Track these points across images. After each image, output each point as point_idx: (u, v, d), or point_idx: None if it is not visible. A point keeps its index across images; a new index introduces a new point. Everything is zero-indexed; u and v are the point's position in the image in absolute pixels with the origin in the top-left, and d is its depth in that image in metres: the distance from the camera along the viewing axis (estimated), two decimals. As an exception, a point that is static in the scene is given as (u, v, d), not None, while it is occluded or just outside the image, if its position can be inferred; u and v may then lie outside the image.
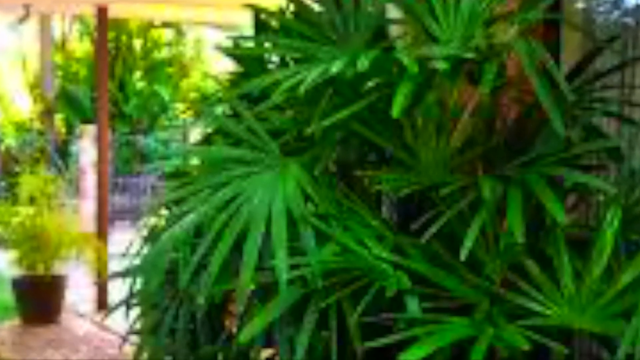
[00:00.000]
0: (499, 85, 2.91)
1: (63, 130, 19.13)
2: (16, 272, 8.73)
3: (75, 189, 14.06)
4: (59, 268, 8.75)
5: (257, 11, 3.60)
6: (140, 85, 20.05)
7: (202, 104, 3.93)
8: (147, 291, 3.41)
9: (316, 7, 3.44)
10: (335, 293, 2.85)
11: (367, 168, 3.36)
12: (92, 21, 15.67)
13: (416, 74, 2.71)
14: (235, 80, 3.74)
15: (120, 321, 4.07)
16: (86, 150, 13.76)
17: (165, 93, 19.86)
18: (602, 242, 2.73)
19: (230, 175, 3.12)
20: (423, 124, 3.06)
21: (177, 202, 3.30)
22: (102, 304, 9.06)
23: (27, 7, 10.12)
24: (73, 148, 17.24)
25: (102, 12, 9.48)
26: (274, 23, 3.61)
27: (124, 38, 19.96)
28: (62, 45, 20.30)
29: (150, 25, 20.14)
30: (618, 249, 2.76)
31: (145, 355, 3.59)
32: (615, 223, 2.75)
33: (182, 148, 9.62)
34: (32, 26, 18.51)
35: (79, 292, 9.52)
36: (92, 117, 15.07)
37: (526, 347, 2.51)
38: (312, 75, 2.84)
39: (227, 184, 3.08)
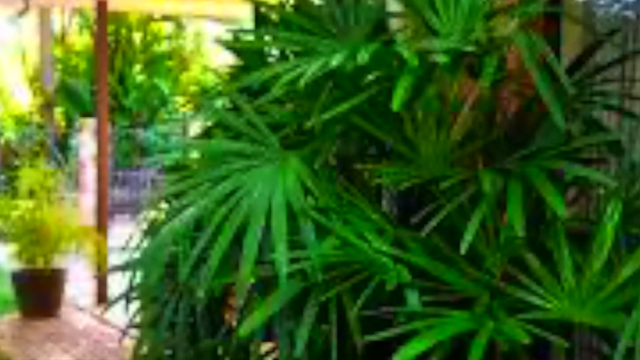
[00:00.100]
0: (499, 78, 2.91)
1: (63, 123, 19.11)
2: (16, 265, 8.72)
3: (75, 182, 14.05)
4: (58, 261, 8.74)
5: (257, 4, 3.60)
6: (140, 78, 20.03)
7: (202, 98, 3.94)
8: (147, 285, 3.41)
9: (316, 1, 3.44)
10: (335, 287, 2.84)
11: (367, 161, 3.35)
12: (92, 14, 15.67)
13: (416, 67, 2.71)
14: (235, 73, 3.74)
15: (120, 315, 4.08)
16: (86, 143, 13.75)
17: (165, 86, 19.84)
18: (603, 235, 2.73)
19: (230, 168, 3.12)
20: (423, 117, 3.06)
21: (177, 195, 3.30)
22: (102, 298, 9.05)
23: (26, 0, 10.11)
24: (73, 141, 17.22)
25: (101, 5, 9.45)
26: (274, 16, 3.60)
27: (123, 31, 19.93)
28: (62, 39, 20.27)
29: (150, 18, 20.11)
30: (618, 243, 2.76)
31: (145, 348, 3.59)
32: (616, 216, 2.75)
33: (182, 141, 9.62)
34: (31, 19, 18.49)
35: (78, 285, 9.52)
36: (92, 111, 15.06)
37: (526, 340, 2.51)
38: (312, 68, 2.83)
39: (227, 177, 3.08)
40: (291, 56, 3.44)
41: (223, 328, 3.45)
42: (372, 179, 3.23)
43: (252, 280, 3.09)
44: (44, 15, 18.54)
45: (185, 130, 17.28)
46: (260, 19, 3.63)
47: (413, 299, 2.77)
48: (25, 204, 8.93)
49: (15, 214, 8.84)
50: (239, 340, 3.07)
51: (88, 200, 12.03)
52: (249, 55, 3.66)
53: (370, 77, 2.98)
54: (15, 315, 8.62)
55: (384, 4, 3.45)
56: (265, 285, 3.00)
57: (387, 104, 2.70)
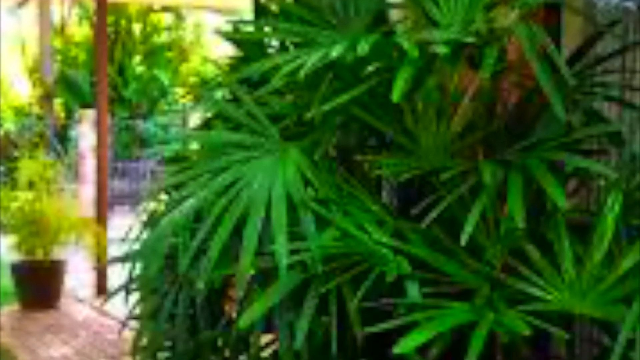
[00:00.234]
0: (499, 69, 2.90)
1: (62, 114, 19.11)
2: (15, 257, 8.72)
3: (75, 173, 14.07)
4: (58, 253, 8.74)
5: (256, -5, 3.59)
6: (139, 69, 20.04)
7: (202, 89, 3.92)
8: (147, 276, 3.40)
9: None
10: (335, 278, 2.84)
11: (367, 153, 3.35)
12: (91, 5, 15.67)
13: (416, 59, 2.70)
14: (235, 64, 3.73)
15: (119, 306, 4.08)
16: (85, 134, 13.77)
17: (164, 77, 19.85)
18: (603, 227, 2.73)
19: (230, 160, 3.11)
20: (423, 108, 3.05)
21: (177, 186, 3.29)
22: (102, 289, 9.06)
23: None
24: (72, 133, 17.23)
25: (101, -4, 9.44)
26: (273, 7, 3.59)
27: (123, 22, 19.92)
28: (61, 30, 20.26)
29: (149, 9, 20.12)
30: (619, 234, 2.75)
31: (144, 340, 3.59)
32: (616, 208, 2.74)
33: (181, 133, 9.60)
34: (31, 10, 18.51)
35: (78, 277, 9.53)
36: (92, 102, 15.07)
37: (527, 332, 2.50)
38: (312, 59, 2.83)
39: (226, 168, 3.08)
40: (291, 47, 3.44)
41: (223, 319, 3.45)
42: (372, 170, 3.23)
43: (252, 272, 3.08)
44: (44, 6, 18.53)
45: (185, 122, 17.29)
46: (260, 10, 3.62)
47: (413, 291, 2.77)
48: (24, 195, 8.93)
49: (14, 205, 8.83)
50: (238, 331, 3.07)
51: (87, 191, 12.05)
52: (248, 47, 3.65)
53: (370, 68, 2.97)
54: (15, 306, 8.62)
55: (384, -5, 3.44)
56: (265, 277, 3.00)
57: (387, 95, 2.69)
